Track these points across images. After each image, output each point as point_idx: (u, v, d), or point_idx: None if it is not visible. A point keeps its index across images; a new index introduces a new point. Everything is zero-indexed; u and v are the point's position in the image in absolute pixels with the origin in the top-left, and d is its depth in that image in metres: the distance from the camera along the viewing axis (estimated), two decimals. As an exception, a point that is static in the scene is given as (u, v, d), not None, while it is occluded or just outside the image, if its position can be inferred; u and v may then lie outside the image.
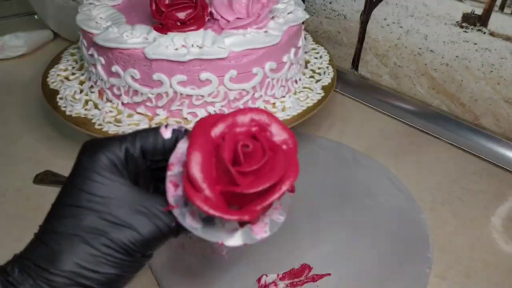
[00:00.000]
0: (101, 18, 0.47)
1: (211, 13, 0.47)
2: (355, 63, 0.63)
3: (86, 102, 0.48)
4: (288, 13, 0.49)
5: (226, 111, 0.46)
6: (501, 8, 0.47)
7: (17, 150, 0.52)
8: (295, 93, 0.51)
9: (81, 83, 0.51)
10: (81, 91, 0.50)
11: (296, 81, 0.52)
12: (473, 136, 0.53)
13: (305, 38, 0.55)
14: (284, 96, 0.50)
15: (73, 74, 0.53)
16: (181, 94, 0.44)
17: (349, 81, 0.62)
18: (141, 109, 0.46)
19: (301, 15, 0.50)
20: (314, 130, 0.55)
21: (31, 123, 0.56)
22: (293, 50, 0.48)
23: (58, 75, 0.53)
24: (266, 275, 0.37)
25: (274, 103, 0.49)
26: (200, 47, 0.43)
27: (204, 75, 0.43)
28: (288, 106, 0.49)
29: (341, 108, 0.59)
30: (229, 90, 0.45)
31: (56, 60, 0.56)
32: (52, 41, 0.73)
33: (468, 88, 0.52)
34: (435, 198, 0.46)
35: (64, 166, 0.49)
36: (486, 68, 0.50)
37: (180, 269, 0.38)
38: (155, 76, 0.43)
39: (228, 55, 0.43)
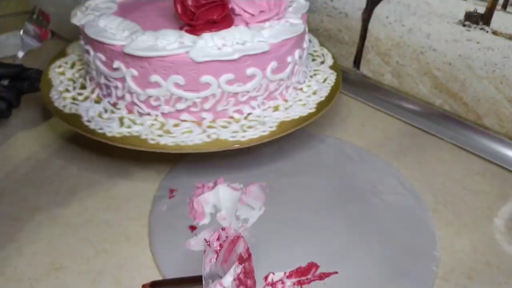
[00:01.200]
0: (112, 28, 0.45)
1: (231, 9, 0.47)
2: (357, 61, 0.62)
3: (120, 120, 0.45)
4: (290, 1, 0.51)
5: (267, 103, 0.48)
6: (504, 6, 0.46)
7: (13, 150, 0.51)
8: (312, 77, 0.54)
9: (96, 101, 0.48)
10: (106, 110, 0.47)
11: (307, 66, 0.54)
12: (476, 136, 0.52)
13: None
14: (304, 82, 0.52)
15: (80, 94, 0.49)
16: (228, 93, 0.44)
17: (351, 80, 0.62)
18: (184, 116, 0.45)
19: (303, 2, 0.52)
20: (315, 129, 0.54)
21: (30, 122, 0.55)
22: (307, 37, 0.51)
23: (64, 98, 0.48)
24: (273, 273, 0.37)
25: (301, 88, 0.51)
26: (242, 44, 0.43)
27: (250, 71, 0.44)
28: (316, 88, 0.51)
29: (342, 107, 0.59)
30: (270, 82, 0.46)
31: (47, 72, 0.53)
32: (49, 39, 0.73)
33: (471, 88, 0.52)
34: (437, 199, 0.46)
35: (62, 166, 0.49)
36: (489, 67, 0.50)
37: (186, 265, 0.37)
38: (203, 79, 0.43)
39: (270, 47, 0.44)
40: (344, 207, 0.44)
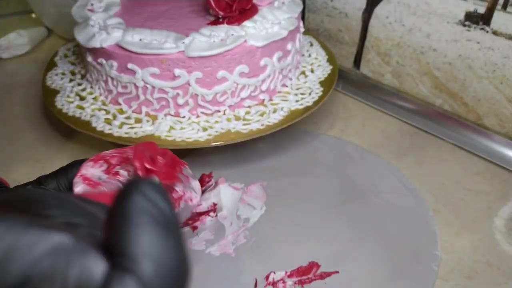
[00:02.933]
0: (150, 40, 0.44)
1: None
2: (357, 61, 0.62)
3: (197, 124, 0.46)
4: None
5: (295, 71, 0.53)
6: (504, 7, 0.46)
7: (14, 150, 0.51)
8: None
9: (153, 118, 0.47)
10: (175, 122, 0.46)
11: None
12: (476, 136, 0.52)
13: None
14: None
15: (128, 118, 0.46)
16: (279, 70, 0.48)
17: (351, 80, 0.62)
18: (247, 103, 0.47)
19: None
20: (315, 129, 0.54)
21: (31, 122, 0.55)
22: None
23: (119, 126, 0.46)
24: (274, 272, 0.37)
25: (303, 54, 0.56)
26: (279, 23, 0.47)
27: (289, 45, 0.48)
28: (314, 51, 0.57)
29: (342, 107, 0.59)
30: (297, 52, 0.52)
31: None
32: (47, 38, 0.73)
33: (471, 88, 0.52)
34: (437, 199, 0.46)
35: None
36: (489, 67, 0.50)
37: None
38: (262, 62, 0.46)
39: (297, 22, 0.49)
40: (345, 206, 0.44)
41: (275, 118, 0.46)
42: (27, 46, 0.69)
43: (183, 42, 0.43)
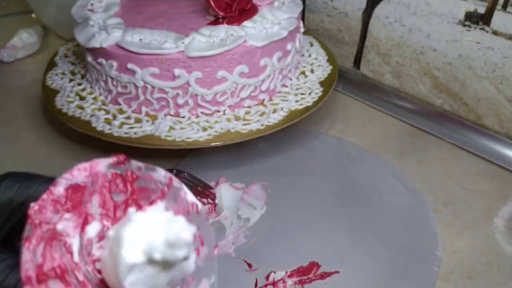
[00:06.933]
0: (150, 40, 0.43)
1: None
2: (357, 61, 0.62)
3: (197, 124, 0.45)
4: None
5: (295, 72, 0.53)
6: (504, 7, 0.46)
7: (14, 149, 0.51)
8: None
9: (152, 118, 0.46)
10: (174, 122, 0.45)
11: None
12: (476, 136, 0.52)
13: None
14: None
15: (127, 118, 0.46)
16: (279, 70, 0.49)
17: (351, 80, 0.62)
18: (247, 103, 0.47)
19: None
20: (315, 129, 0.54)
21: (30, 122, 0.55)
22: None
23: (119, 126, 0.45)
24: (275, 272, 0.37)
25: (303, 55, 0.56)
26: (279, 23, 0.47)
27: (289, 46, 0.49)
28: (313, 51, 0.57)
29: (342, 107, 0.59)
30: (297, 53, 0.52)
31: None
32: (47, 38, 0.73)
33: (471, 88, 0.52)
34: (437, 199, 0.46)
35: (63, 165, 0.49)
36: (489, 67, 0.50)
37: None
38: (262, 62, 0.46)
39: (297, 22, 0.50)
40: (346, 206, 0.44)
41: (275, 118, 0.46)
42: (37, 44, 0.68)
43: (183, 42, 0.43)
